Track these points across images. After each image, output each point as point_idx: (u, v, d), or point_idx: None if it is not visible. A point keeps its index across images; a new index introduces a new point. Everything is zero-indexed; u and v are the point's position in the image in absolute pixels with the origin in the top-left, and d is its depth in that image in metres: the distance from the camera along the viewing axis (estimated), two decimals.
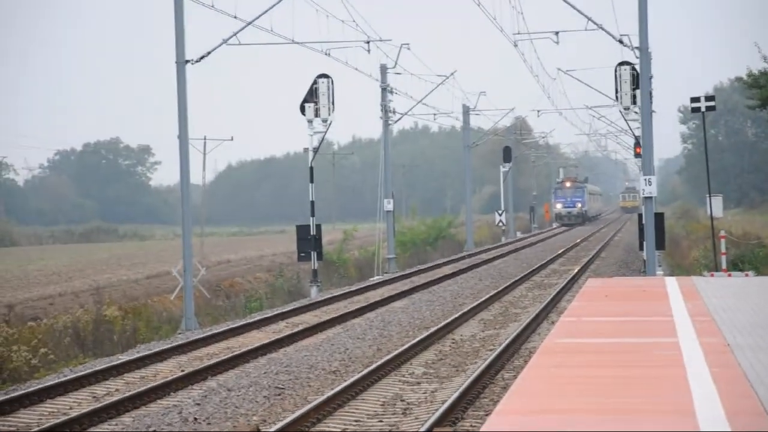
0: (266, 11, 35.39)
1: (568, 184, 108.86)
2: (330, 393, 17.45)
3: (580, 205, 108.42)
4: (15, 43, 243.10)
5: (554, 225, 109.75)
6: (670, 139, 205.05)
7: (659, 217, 34.50)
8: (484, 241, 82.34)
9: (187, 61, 32.58)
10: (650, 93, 35.83)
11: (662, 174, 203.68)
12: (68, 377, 20.96)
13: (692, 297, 18.96)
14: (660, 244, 34.74)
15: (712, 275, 31.09)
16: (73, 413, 17.64)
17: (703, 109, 37.42)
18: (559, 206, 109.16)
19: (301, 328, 27.58)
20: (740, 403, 9.71)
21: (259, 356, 23.24)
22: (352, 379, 18.69)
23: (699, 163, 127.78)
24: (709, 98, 37.73)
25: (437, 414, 15.50)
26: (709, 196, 42.25)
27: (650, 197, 33.30)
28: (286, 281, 49.69)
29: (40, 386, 19.97)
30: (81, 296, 43.20)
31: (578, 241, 70.41)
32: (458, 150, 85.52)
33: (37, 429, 16.35)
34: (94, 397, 19.63)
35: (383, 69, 50.75)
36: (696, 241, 57.44)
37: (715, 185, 51.68)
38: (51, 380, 21.23)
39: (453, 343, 24.36)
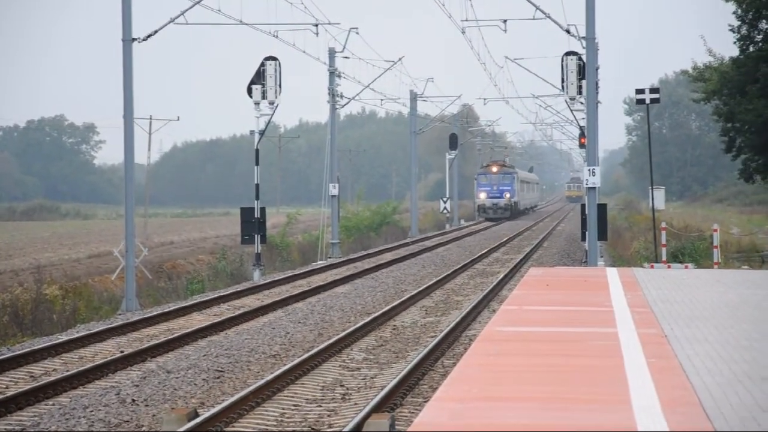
0: None
1: (494, 170, 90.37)
2: (269, 377, 17.41)
3: (508, 195, 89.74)
4: None
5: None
6: (615, 131, 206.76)
7: (602, 208, 34.73)
8: (429, 228, 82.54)
9: (134, 39, 32.32)
10: (596, 84, 36.03)
11: (606, 165, 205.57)
12: (5, 356, 20.75)
13: (632, 288, 19.11)
14: (602, 234, 34.98)
15: (653, 267, 31.37)
16: (10, 392, 17.48)
17: (647, 101, 37.69)
18: (482, 196, 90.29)
19: (242, 311, 27.49)
20: (676, 393, 9.80)
21: (199, 339, 23.15)
22: (291, 364, 18.65)
23: (643, 155, 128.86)
24: (653, 90, 38.01)
25: (376, 400, 15.51)
26: (652, 188, 42.61)
27: (593, 188, 33.50)
28: (228, 264, 49.54)
29: None
30: (21, 275, 42.84)
31: (522, 230, 70.66)
32: (405, 136, 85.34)
33: None
34: (32, 376, 19.46)
35: (331, 53, 50.64)
36: (638, 232, 57.91)
37: (658, 177, 52.27)
38: None
39: (394, 329, 24.40)
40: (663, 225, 39.76)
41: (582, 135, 37.86)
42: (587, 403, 9.50)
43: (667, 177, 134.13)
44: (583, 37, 33.36)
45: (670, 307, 16.30)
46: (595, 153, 34.64)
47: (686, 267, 32.49)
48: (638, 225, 64.68)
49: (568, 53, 35.68)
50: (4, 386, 18.60)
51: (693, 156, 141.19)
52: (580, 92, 35.44)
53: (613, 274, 22.36)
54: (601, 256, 38.98)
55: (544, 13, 34.84)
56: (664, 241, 38.73)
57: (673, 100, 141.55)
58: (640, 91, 37.93)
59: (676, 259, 39.18)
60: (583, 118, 36.05)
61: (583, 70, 34.82)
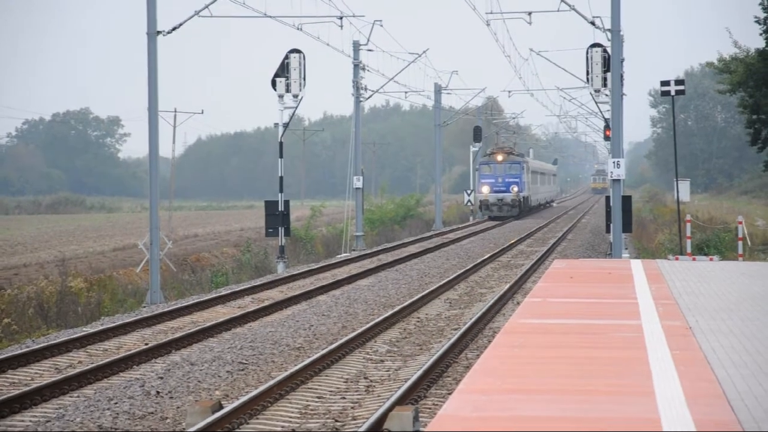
0: None
1: (499, 158, 76.02)
2: (293, 369, 17.42)
3: (516, 188, 75.46)
4: None
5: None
6: (640, 123, 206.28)
7: (626, 200, 34.61)
8: (453, 221, 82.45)
9: (159, 32, 32.37)
10: (621, 76, 35.87)
11: (631, 157, 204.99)
12: (31, 348, 20.85)
13: (656, 280, 19.05)
14: (627, 227, 34.84)
15: (677, 259, 31.24)
16: (35, 384, 17.57)
17: (672, 93, 37.52)
18: (485, 190, 75.78)
19: (266, 303, 27.53)
20: (700, 385, 9.76)
21: (224, 331, 23.19)
22: (315, 356, 18.67)
23: (668, 147, 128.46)
24: (678, 82, 37.82)
25: (399, 392, 15.51)
26: (677, 181, 42.42)
27: (618, 180, 33.38)
28: (253, 256, 49.60)
29: (2, 357, 19.83)
30: (46, 267, 43.04)
31: (545, 223, 70.47)
32: (429, 129, 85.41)
33: None
34: (57, 368, 19.54)
35: (356, 45, 50.61)
36: (662, 224, 57.69)
37: (683, 170, 52.09)
38: (13, 351, 21.11)
39: (418, 321, 24.39)
40: (688, 217, 39.60)
41: (607, 127, 37.74)
42: (611, 395, 9.48)
43: (692, 169, 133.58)
44: (608, 29, 33.22)
45: (695, 299, 16.24)
46: (619, 145, 34.51)
47: (711, 259, 32.35)
48: (663, 217, 64.43)
49: (593, 45, 35.56)
50: (30, 378, 18.69)
51: (718, 148, 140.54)
52: (605, 84, 35.32)
53: (637, 266, 22.30)
54: (626, 248, 38.86)
55: (569, 5, 34.72)
56: (689, 233, 38.58)
57: (699, 92, 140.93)
58: (665, 83, 37.75)
59: (701, 251, 39.02)
60: (608, 111, 35.92)
61: (608, 63, 34.70)
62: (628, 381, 10.05)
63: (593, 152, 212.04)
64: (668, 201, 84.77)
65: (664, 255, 38.07)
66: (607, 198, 35.84)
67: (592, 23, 34.33)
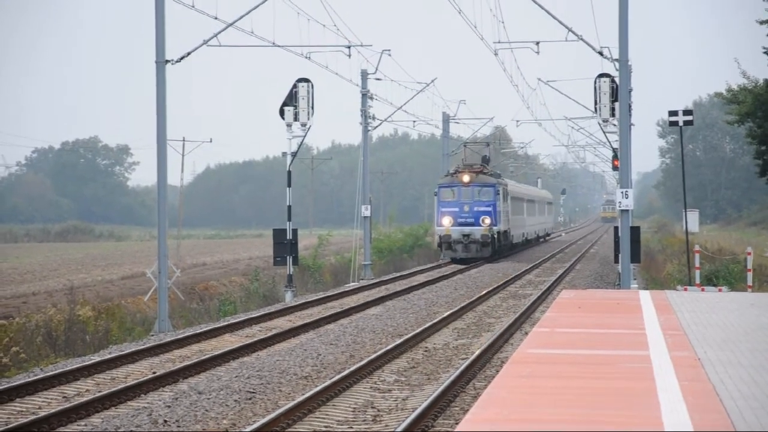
0: (247, 13, 35.34)
1: (465, 179, 57.75)
2: (301, 398, 17.40)
3: (488, 220, 57.27)
4: None
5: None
6: (648, 153, 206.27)
7: (635, 231, 34.57)
8: None
9: (167, 61, 32.48)
10: (629, 106, 35.90)
11: (640, 187, 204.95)
12: (39, 376, 20.85)
13: (665, 311, 19.01)
14: (635, 257, 34.79)
15: (686, 289, 31.18)
16: (42, 413, 17.55)
17: (680, 124, 37.53)
18: (445, 222, 57.40)
19: (274, 332, 27.51)
20: (708, 417, 9.73)
21: (231, 360, 23.17)
22: (323, 385, 18.65)
23: (676, 178, 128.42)
24: (687, 112, 37.82)
25: (407, 422, 15.48)
26: (685, 211, 42.41)
27: (627, 210, 33.36)
28: (261, 285, 49.58)
29: (10, 385, 19.85)
30: (55, 295, 43.03)
31: (555, 252, 70.26)
32: (437, 158, 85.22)
33: (5, 428, 16.24)
34: (64, 397, 19.53)
35: (364, 74, 50.75)
36: (671, 255, 57.60)
37: (691, 200, 52.06)
38: (21, 379, 21.11)
39: (426, 351, 24.34)
40: (696, 248, 39.53)
41: (615, 157, 37.74)
42: (619, 426, 9.45)
43: (701, 200, 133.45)
44: (616, 60, 33.27)
45: (704, 330, 16.20)
46: (628, 175, 34.50)
47: (720, 290, 32.27)
48: (672, 247, 64.33)
49: (600, 75, 35.61)
50: (37, 407, 18.68)
51: (727, 179, 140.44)
52: (613, 114, 35.34)
53: (646, 296, 22.25)
54: (635, 279, 38.79)
55: (577, 35, 34.80)
56: (697, 264, 38.50)
57: (707, 123, 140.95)
58: (673, 113, 37.76)
59: (710, 282, 38.91)
60: (616, 141, 35.92)
61: (616, 93, 34.73)
62: (636, 412, 10.02)
63: (602, 182, 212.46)
64: (677, 231, 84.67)
65: (672, 286, 38.00)
66: (616, 228, 35.81)
67: (600, 53, 34.39)
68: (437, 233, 58.14)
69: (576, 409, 10.19)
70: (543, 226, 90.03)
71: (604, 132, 37.47)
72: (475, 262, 56.31)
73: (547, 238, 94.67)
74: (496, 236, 58.06)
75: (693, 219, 40.89)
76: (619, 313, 19.06)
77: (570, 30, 34.89)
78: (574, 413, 9.98)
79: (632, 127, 39.01)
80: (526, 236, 74.94)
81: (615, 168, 38.86)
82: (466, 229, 57.23)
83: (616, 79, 34.43)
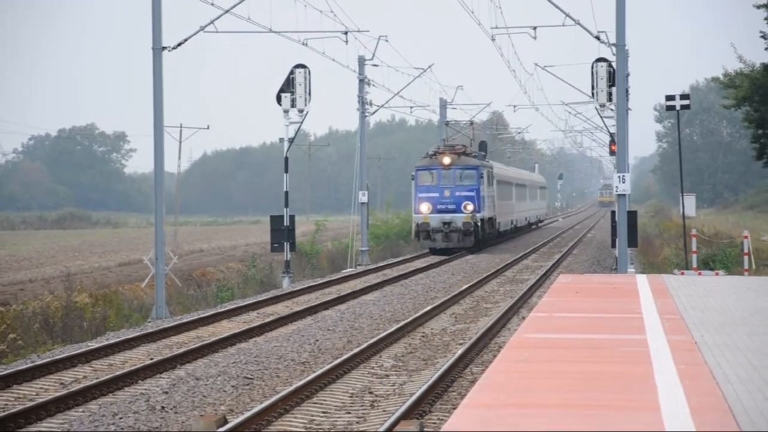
0: None
1: (446, 160, 53.00)
2: (298, 384, 17.41)
3: (471, 206, 52.59)
4: None
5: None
6: (645, 138, 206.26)
7: (632, 215, 34.60)
8: None
9: (164, 48, 32.42)
10: (626, 90, 35.89)
11: (637, 172, 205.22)
12: (36, 363, 20.84)
13: (662, 295, 19.02)
14: (632, 241, 34.84)
15: (683, 273, 31.25)
16: (40, 399, 17.56)
17: (678, 108, 37.52)
18: (424, 209, 52.73)
19: (271, 318, 27.52)
20: (705, 400, 9.74)
21: (229, 346, 23.18)
22: (320, 371, 18.66)
23: (673, 162, 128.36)
24: (684, 97, 37.83)
25: (404, 407, 15.49)
26: (682, 195, 42.45)
27: (624, 195, 33.37)
28: (258, 271, 49.62)
29: (8, 372, 19.86)
30: (52, 282, 43.04)
31: (546, 240, 70.05)
32: (434, 144, 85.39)
33: (3, 414, 16.24)
34: (62, 383, 19.53)
35: (361, 60, 50.69)
36: (668, 239, 57.66)
37: (688, 184, 52.10)
38: (18, 366, 21.11)
39: (423, 336, 24.36)
40: (693, 232, 39.58)
41: (612, 142, 37.76)
42: (616, 410, 9.46)
43: (698, 184, 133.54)
44: (613, 44, 33.26)
45: (701, 314, 16.22)
46: (625, 160, 34.51)
47: (717, 274, 32.34)
48: (669, 232, 64.39)
49: (598, 60, 35.58)
50: (35, 393, 18.68)
51: (724, 163, 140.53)
52: (610, 99, 35.32)
53: (643, 281, 22.28)
54: (632, 263, 38.83)
55: (574, 20, 34.77)
56: (694, 248, 38.55)
57: (704, 107, 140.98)
58: (670, 98, 37.76)
59: (707, 266, 38.98)
60: (614, 125, 35.94)
61: (613, 77, 34.71)
62: (634, 396, 10.03)
63: (599, 167, 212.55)
64: (674, 216, 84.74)
65: (669, 270, 38.05)
66: (613, 213, 35.83)
67: (597, 38, 34.37)
68: (414, 221, 53.24)
69: (574, 393, 10.20)
70: (535, 212, 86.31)
71: (601, 117, 37.45)
72: (457, 253, 51.77)
73: (540, 224, 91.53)
74: (479, 224, 53.16)
75: (690, 203, 40.88)
76: (616, 298, 19.08)
77: (567, 15, 34.86)
78: (571, 397, 9.99)
79: (629, 111, 39.03)
80: (515, 223, 70.56)
81: (612, 153, 38.91)
82: (447, 217, 52.54)
83: (614, 64, 34.42)
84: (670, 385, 10.37)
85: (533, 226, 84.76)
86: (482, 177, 53.56)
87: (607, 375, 11.12)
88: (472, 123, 64.24)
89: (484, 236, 55.06)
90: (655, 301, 17.85)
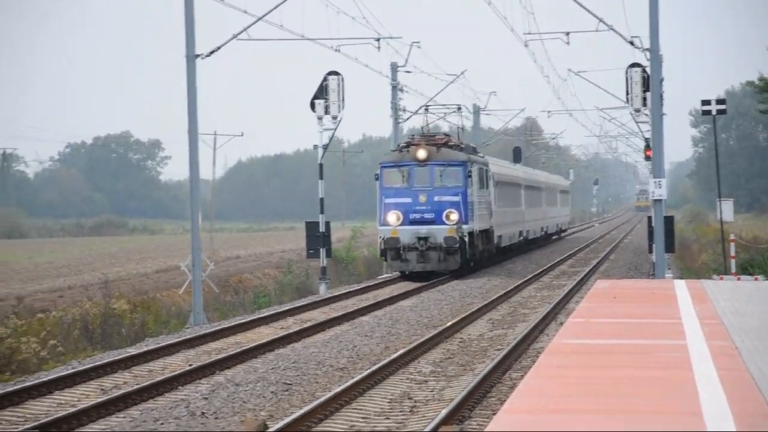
0: (276, 6, 35.40)
1: (421, 154, 40.74)
2: (337, 389, 17.47)
3: (455, 215, 40.44)
4: (26, 37, 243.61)
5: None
6: (681, 143, 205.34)
7: (669, 220, 34.50)
8: None
9: (197, 56, 32.62)
10: (661, 95, 35.80)
11: (673, 177, 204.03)
12: (76, 369, 21.01)
13: (701, 300, 18.96)
14: (669, 247, 34.74)
15: (722, 278, 31.08)
16: (81, 405, 17.69)
17: (713, 113, 37.38)
18: (392, 219, 40.50)
19: (309, 324, 27.60)
20: (747, 405, 9.72)
21: (267, 352, 23.27)
22: (359, 376, 18.71)
23: (710, 167, 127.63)
24: (720, 101, 37.69)
25: (444, 412, 15.52)
26: (720, 200, 42.26)
27: (660, 200, 33.27)
28: (294, 278, 49.77)
29: (49, 378, 20.03)
30: (90, 289, 43.34)
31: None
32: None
33: (44, 420, 16.40)
34: (102, 389, 19.68)
35: (394, 67, 50.78)
36: (706, 244, 57.38)
37: (725, 189, 51.70)
38: (59, 372, 21.28)
39: (461, 342, 24.38)
40: (732, 237, 39.39)
41: (647, 147, 37.65)
42: (657, 415, 9.46)
43: (735, 189, 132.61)
44: (647, 49, 33.19)
45: (741, 319, 16.16)
46: (661, 165, 34.43)
47: (756, 279, 32.16)
48: (706, 237, 64.08)
49: (632, 65, 35.51)
50: (76, 399, 18.83)
51: (761, 167, 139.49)
52: (644, 104, 35.24)
53: (681, 286, 22.20)
54: (669, 269, 38.70)
55: (607, 25, 34.70)
56: (733, 253, 38.36)
57: (740, 112, 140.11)
58: (706, 103, 37.63)
59: (746, 271, 38.78)
60: (649, 130, 35.84)
61: (648, 82, 34.63)
62: (675, 401, 10.03)
63: (634, 172, 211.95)
64: (711, 221, 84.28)
65: (708, 275, 37.88)
66: (649, 218, 35.72)
67: (631, 43, 34.31)
68: (380, 235, 40.81)
69: (614, 398, 10.20)
70: (554, 220, 73.39)
71: (636, 122, 37.40)
72: (437, 279, 40.07)
73: (562, 235, 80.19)
74: (467, 239, 40.55)
75: (727, 208, 40.66)
76: (654, 303, 19.04)
77: (600, 20, 34.80)
78: (612, 402, 10.00)
79: (664, 116, 38.88)
80: (526, 235, 58.37)
81: (647, 158, 38.78)
82: (423, 230, 40.07)
83: (648, 69, 34.34)
84: (712, 390, 10.36)
85: (554, 237, 74.75)
86: (470, 176, 41.38)
87: (647, 380, 11.11)
88: (459, 108, 50.74)
89: (473, 255, 42.32)
90: (694, 306, 17.80)
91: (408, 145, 41.66)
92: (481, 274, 43.14)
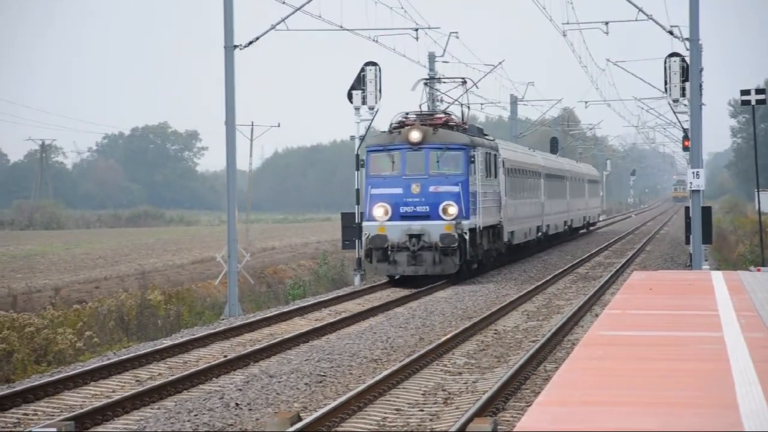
0: None
1: (414, 136, 34.91)
2: (371, 381, 17.44)
3: (453, 209, 34.63)
4: (65, 28, 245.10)
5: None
6: (719, 133, 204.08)
7: (706, 211, 34.24)
8: None
9: (236, 46, 32.62)
10: (700, 85, 35.53)
11: (710, 168, 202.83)
12: (112, 360, 21.10)
13: (738, 291, 18.78)
14: (707, 238, 34.47)
15: (759, 270, 30.78)
16: (116, 396, 17.75)
17: (753, 103, 37.06)
18: (378, 214, 34.92)
19: (343, 315, 27.60)
20: None
21: (301, 343, 23.28)
22: (393, 368, 18.68)
23: (748, 158, 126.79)
24: (759, 91, 37.36)
25: (478, 404, 15.46)
26: (758, 191, 41.92)
27: (698, 191, 33.03)
28: (329, 269, 49.74)
29: (85, 369, 20.12)
30: (126, 280, 43.54)
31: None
32: (505, 140, 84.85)
33: (80, 411, 16.46)
34: (137, 380, 19.74)
35: (431, 57, 50.68)
36: (743, 235, 56.95)
37: (764, 180, 51.49)
38: (95, 363, 21.37)
39: (495, 333, 24.30)
40: None
41: (685, 138, 37.37)
42: (694, 407, 9.35)
43: None
44: (687, 39, 32.93)
45: None
46: (699, 155, 34.17)
47: None
48: (744, 228, 63.61)
49: (671, 55, 35.25)
50: (111, 390, 18.89)
51: None
52: (683, 94, 34.98)
53: (718, 277, 22.00)
54: (706, 260, 38.42)
55: (647, 15, 34.46)
56: None
57: None
58: (745, 92, 37.31)
59: None
60: (687, 121, 35.57)
61: (687, 72, 34.37)
62: (711, 393, 9.91)
63: (672, 163, 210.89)
64: (749, 212, 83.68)
65: (745, 266, 37.58)
66: (687, 209, 35.47)
67: (670, 32, 34.05)
68: (364, 232, 35.64)
69: (650, 390, 10.09)
70: (582, 213, 66.43)
71: (674, 112, 37.11)
72: (430, 285, 34.68)
73: (591, 228, 73.91)
74: (467, 237, 35.11)
75: (766, 199, 40.33)
76: (691, 294, 18.87)
77: (640, 9, 34.56)
78: (648, 394, 9.89)
79: (703, 107, 38.60)
80: (546, 230, 52.15)
81: (685, 148, 38.49)
82: (415, 226, 34.73)
83: (687, 59, 34.07)
84: (749, 382, 10.23)
85: (581, 231, 68.91)
86: (473, 162, 35.96)
87: (684, 372, 11.00)
88: (464, 82, 42.09)
89: (477, 256, 37.01)
90: (731, 298, 17.62)
91: (400, 125, 36.04)
92: (483, 279, 37.90)
